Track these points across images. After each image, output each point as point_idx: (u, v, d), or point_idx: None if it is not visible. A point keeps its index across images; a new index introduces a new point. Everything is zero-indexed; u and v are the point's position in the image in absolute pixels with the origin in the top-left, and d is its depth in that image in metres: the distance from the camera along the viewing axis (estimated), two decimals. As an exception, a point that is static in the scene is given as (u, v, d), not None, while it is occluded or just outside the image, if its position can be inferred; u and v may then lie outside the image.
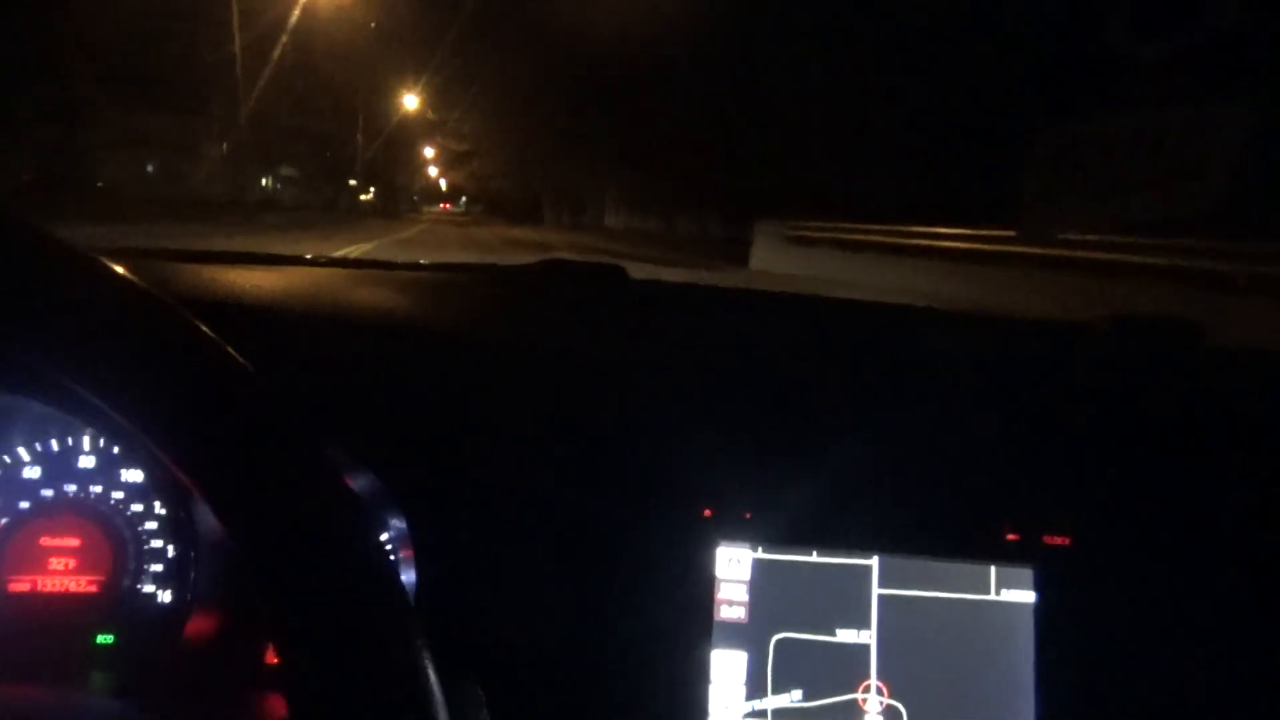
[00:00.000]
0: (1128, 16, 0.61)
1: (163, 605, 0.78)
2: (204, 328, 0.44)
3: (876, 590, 0.72)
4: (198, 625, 0.76)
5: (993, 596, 0.72)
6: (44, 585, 0.77)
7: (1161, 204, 0.72)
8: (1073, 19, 0.61)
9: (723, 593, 0.73)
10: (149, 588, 0.78)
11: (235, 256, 1.08)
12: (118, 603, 0.77)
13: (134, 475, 0.80)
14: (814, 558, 0.73)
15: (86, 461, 0.80)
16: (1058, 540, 0.73)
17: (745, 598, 0.73)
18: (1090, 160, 0.68)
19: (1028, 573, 0.73)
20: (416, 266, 1.20)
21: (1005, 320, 1.22)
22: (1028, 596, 0.72)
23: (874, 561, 0.73)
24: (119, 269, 0.43)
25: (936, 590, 0.73)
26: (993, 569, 0.73)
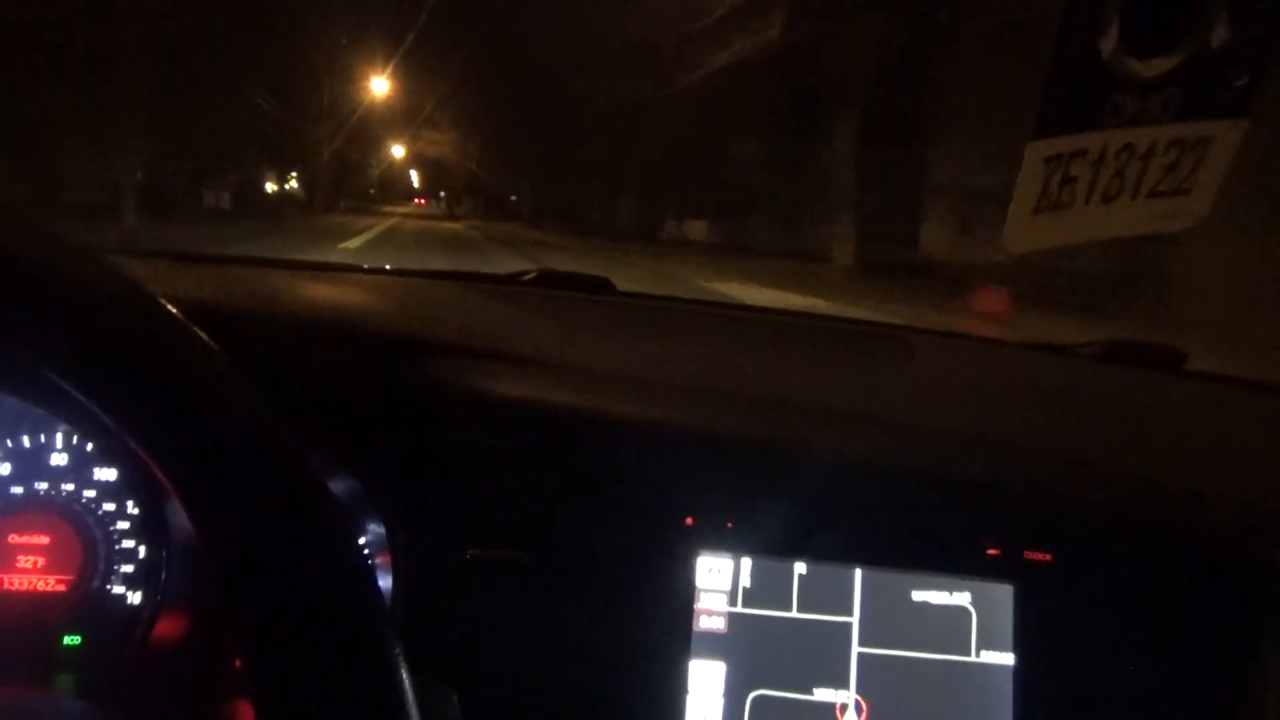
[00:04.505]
0: (1119, 33, 0.62)
1: (132, 606, 0.76)
2: (190, 324, 0.43)
3: (856, 649, 0.72)
4: (167, 628, 0.74)
5: (972, 658, 0.72)
6: (11, 584, 0.75)
7: (1147, 219, 0.72)
8: (1064, 34, 0.61)
9: (702, 602, 0.73)
10: (118, 588, 0.77)
11: (217, 259, 1.07)
12: (86, 603, 0.76)
13: (107, 474, 0.78)
14: (794, 614, 0.73)
15: (59, 459, 0.78)
16: (1039, 556, 0.73)
17: (725, 608, 0.72)
18: (1077, 174, 0.68)
19: (1008, 631, 0.72)
20: (404, 273, 1.19)
21: (992, 341, 1.22)
22: (1007, 659, 0.72)
23: (855, 620, 0.72)
24: (107, 263, 0.42)
25: (916, 650, 0.72)
26: (974, 617, 0.72)
